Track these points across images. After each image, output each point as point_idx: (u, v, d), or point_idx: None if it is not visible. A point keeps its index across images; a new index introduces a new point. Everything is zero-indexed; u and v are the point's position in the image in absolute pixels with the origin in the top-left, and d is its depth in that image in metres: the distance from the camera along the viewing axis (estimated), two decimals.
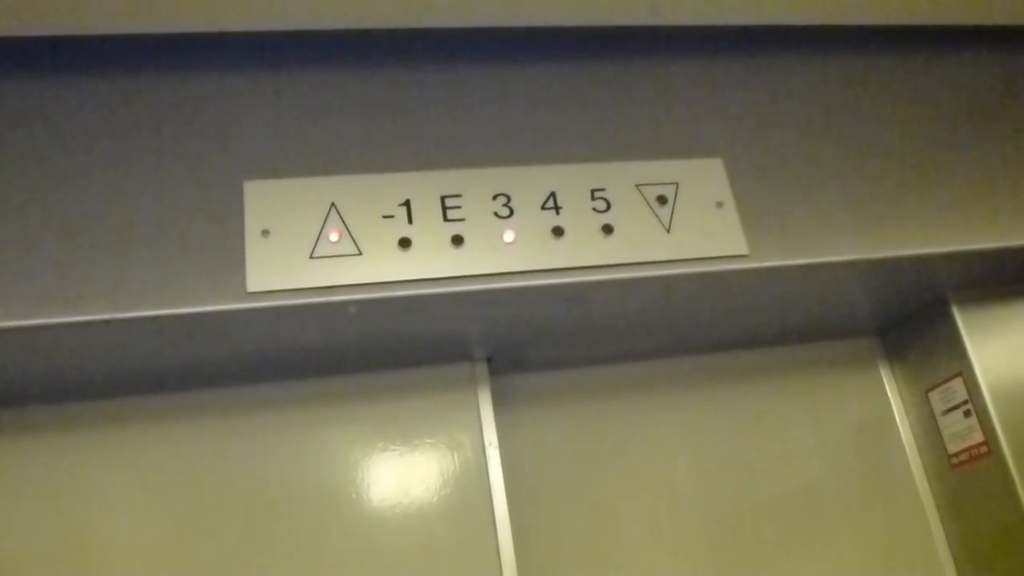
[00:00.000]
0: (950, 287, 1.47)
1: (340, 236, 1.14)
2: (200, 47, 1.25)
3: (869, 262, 1.29)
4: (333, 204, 1.16)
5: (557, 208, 1.21)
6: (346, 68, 1.27)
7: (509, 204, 1.20)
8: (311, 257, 1.13)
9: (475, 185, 1.20)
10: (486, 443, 1.36)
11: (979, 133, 1.44)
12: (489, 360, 1.42)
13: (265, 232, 1.13)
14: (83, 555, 1.22)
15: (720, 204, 1.26)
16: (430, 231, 1.16)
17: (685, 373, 1.57)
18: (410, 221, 1.16)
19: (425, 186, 1.19)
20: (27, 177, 1.13)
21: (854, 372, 1.65)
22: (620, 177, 1.25)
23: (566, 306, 1.26)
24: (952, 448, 1.49)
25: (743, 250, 1.23)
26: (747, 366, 1.60)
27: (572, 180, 1.23)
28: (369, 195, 1.17)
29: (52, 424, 1.29)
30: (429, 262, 1.14)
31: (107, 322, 1.08)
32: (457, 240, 1.16)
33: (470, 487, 1.33)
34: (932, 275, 1.41)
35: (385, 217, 1.16)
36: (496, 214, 1.19)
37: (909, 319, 1.58)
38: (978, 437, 1.43)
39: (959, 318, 1.47)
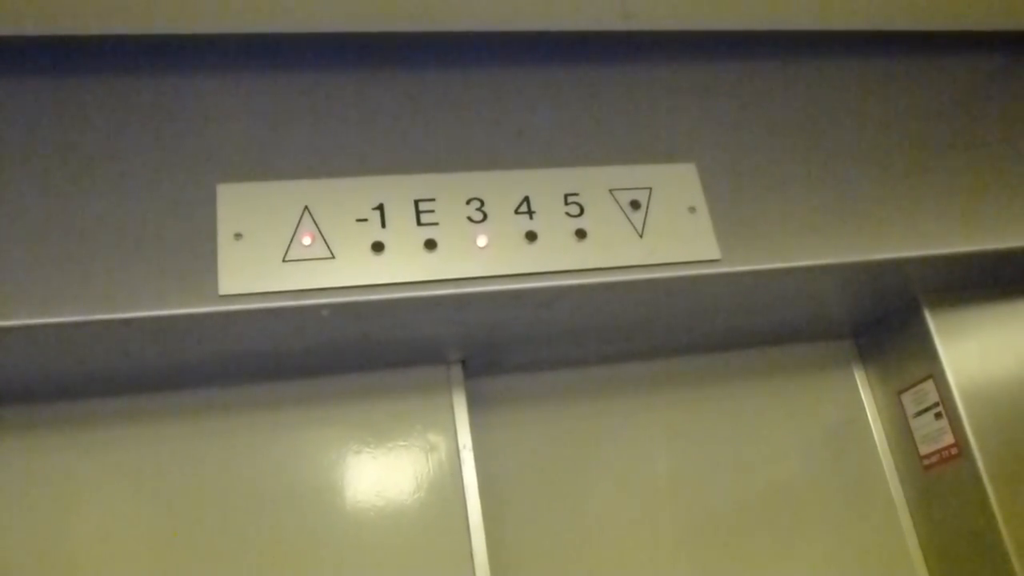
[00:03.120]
0: (922, 290, 1.49)
1: (313, 239, 1.14)
2: (173, 49, 1.25)
3: (840, 266, 1.31)
4: (306, 207, 1.16)
5: (531, 212, 1.21)
6: (320, 72, 1.27)
7: (483, 208, 1.20)
8: (284, 260, 1.13)
9: (449, 189, 1.21)
10: (460, 446, 1.36)
11: (950, 138, 1.46)
12: (464, 363, 1.42)
13: (238, 235, 1.13)
14: (60, 555, 1.22)
15: (693, 209, 1.27)
16: (403, 235, 1.16)
17: (660, 375, 1.58)
18: (383, 225, 1.17)
19: (399, 190, 1.19)
20: None
21: (828, 374, 1.66)
22: (594, 182, 1.25)
23: (539, 310, 1.26)
24: (924, 450, 1.51)
25: (715, 255, 1.24)
26: (721, 368, 1.61)
27: (546, 185, 1.24)
28: (342, 199, 1.17)
29: (25, 424, 1.28)
30: (402, 266, 1.14)
31: (78, 324, 1.08)
32: (430, 244, 1.16)
33: (444, 490, 1.33)
34: (904, 279, 1.43)
35: (358, 221, 1.16)
36: (470, 218, 1.19)
37: (882, 322, 1.60)
38: (948, 439, 1.44)
39: (931, 321, 1.49)
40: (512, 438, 1.47)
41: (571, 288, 1.20)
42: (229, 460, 1.31)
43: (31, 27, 1.18)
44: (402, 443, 1.37)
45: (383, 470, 1.35)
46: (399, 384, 1.39)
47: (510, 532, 1.39)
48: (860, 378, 1.67)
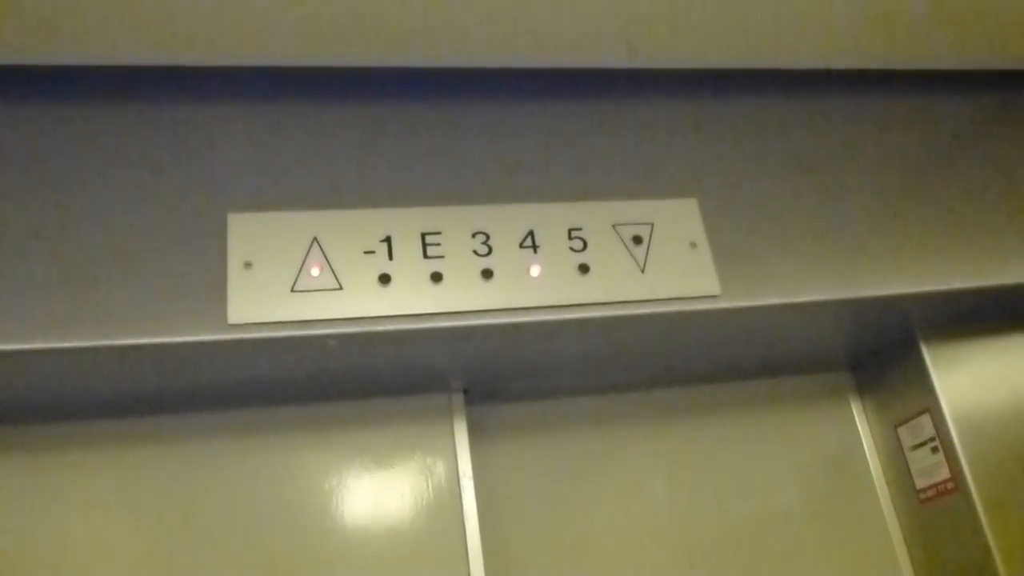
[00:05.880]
0: (919, 325, 1.50)
1: (321, 270, 1.16)
2: (185, 80, 1.27)
3: (839, 302, 1.32)
4: (315, 238, 1.18)
5: (535, 246, 1.23)
6: (330, 104, 1.30)
7: (488, 242, 1.22)
8: (292, 290, 1.15)
9: (455, 222, 1.23)
10: (461, 474, 1.37)
11: (946, 176, 1.48)
12: (465, 391, 1.44)
13: (247, 264, 1.15)
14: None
15: (694, 244, 1.29)
16: (410, 267, 1.18)
17: (660, 405, 1.59)
18: (390, 257, 1.19)
19: (406, 222, 1.21)
20: (9, 206, 1.15)
21: (825, 406, 1.67)
22: (597, 217, 1.28)
23: (542, 342, 1.28)
24: (920, 483, 1.52)
25: (715, 290, 1.26)
26: (720, 399, 1.63)
27: (550, 219, 1.26)
28: (351, 230, 1.19)
29: (32, 445, 1.29)
30: (408, 298, 1.16)
31: (89, 349, 1.09)
32: (436, 277, 1.18)
33: (444, 517, 1.34)
34: (901, 314, 1.44)
35: (366, 252, 1.18)
36: (475, 251, 1.21)
37: (879, 355, 1.61)
38: (945, 473, 1.45)
39: (927, 355, 1.50)
40: (512, 466, 1.48)
41: (573, 322, 1.22)
42: (230, 484, 1.32)
43: (43, 57, 1.21)
44: (403, 470, 1.38)
45: (384, 497, 1.36)
46: (401, 411, 1.41)
47: (509, 560, 1.40)
48: (857, 410, 1.68)
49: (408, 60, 1.31)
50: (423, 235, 1.21)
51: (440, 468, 1.38)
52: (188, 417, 1.34)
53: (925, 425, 1.50)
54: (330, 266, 1.17)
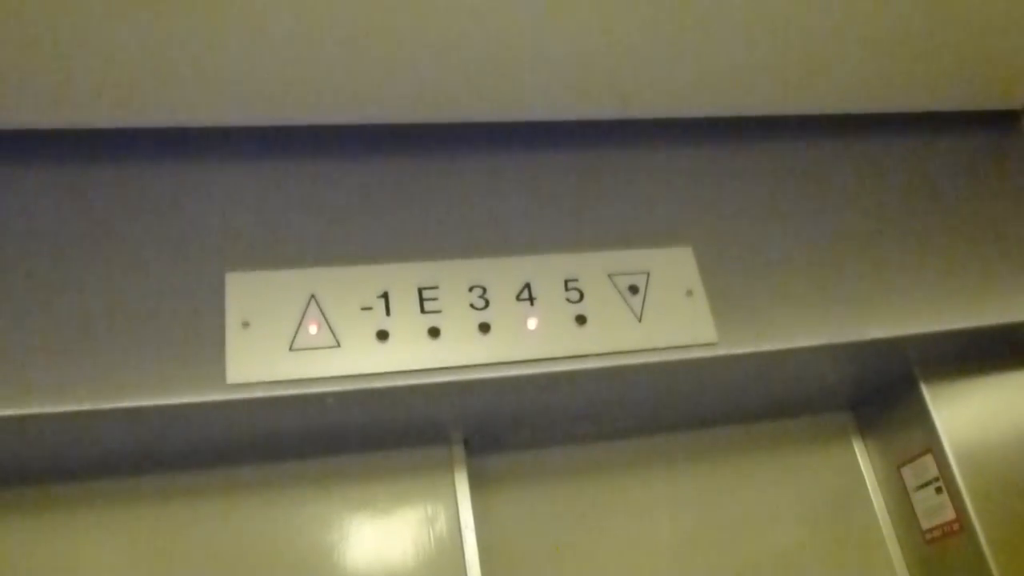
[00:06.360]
0: (917, 365, 1.50)
1: (319, 328, 1.17)
2: (181, 140, 1.29)
3: (836, 346, 1.33)
4: (313, 295, 1.19)
5: (531, 299, 1.24)
6: (326, 161, 1.31)
7: (484, 295, 1.23)
8: (290, 349, 1.15)
9: (451, 276, 1.23)
10: (462, 525, 1.37)
11: (939, 216, 1.49)
12: (466, 442, 1.43)
13: (245, 324, 1.16)
14: None
15: (690, 292, 1.29)
16: (408, 323, 1.19)
17: (661, 451, 1.59)
18: (388, 313, 1.19)
19: (403, 278, 1.22)
20: (8, 267, 1.15)
21: (827, 447, 1.67)
22: (593, 267, 1.28)
23: (541, 393, 1.28)
24: (926, 524, 1.51)
25: (712, 338, 1.27)
26: (720, 442, 1.62)
27: (546, 270, 1.27)
28: (348, 287, 1.20)
29: (31, 507, 1.29)
30: (407, 354, 1.16)
31: (88, 413, 1.09)
32: (434, 332, 1.19)
33: (446, 569, 1.33)
34: (899, 355, 1.44)
35: (363, 309, 1.19)
36: (472, 305, 1.22)
37: (879, 394, 1.61)
38: (950, 514, 1.44)
39: (927, 395, 1.50)
40: (514, 515, 1.47)
41: (572, 373, 1.22)
42: (232, 540, 1.31)
43: (41, 120, 1.22)
44: (404, 522, 1.37)
45: (385, 550, 1.35)
46: (402, 464, 1.40)
47: None
48: (859, 450, 1.67)
49: (401, 116, 1.32)
50: (420, 290, 1.22)
51: (442, 519, 1.38)
52: (188, 475, 1.34)
53: (928, 465, 1.49)
54: (328, 323, 1.17)
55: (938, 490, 1.47)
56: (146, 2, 1.04)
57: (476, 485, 1.42)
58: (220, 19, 1.08)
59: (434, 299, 1.21)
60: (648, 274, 1.30)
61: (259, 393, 1.12)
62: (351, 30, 1.14)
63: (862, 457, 1.66)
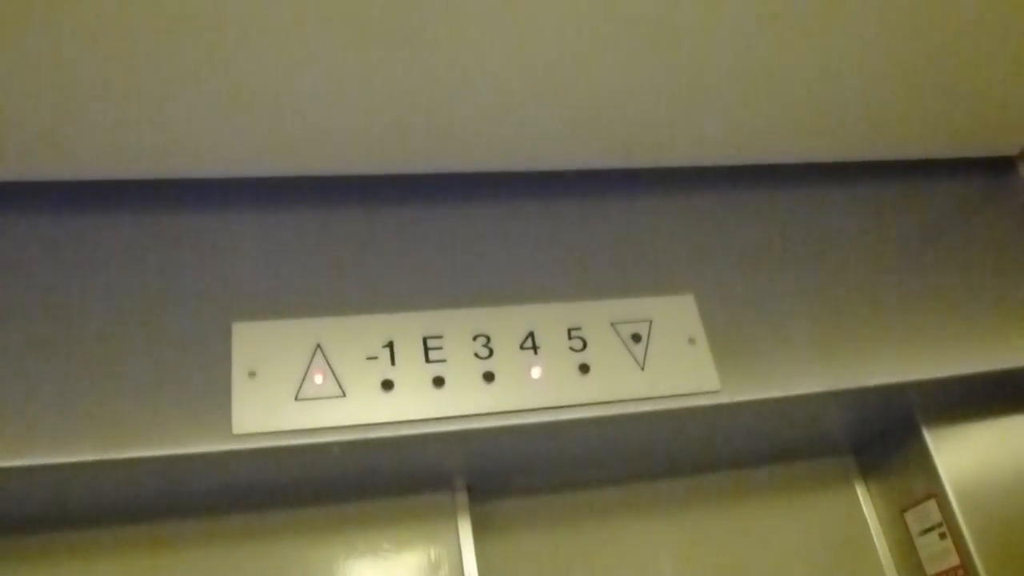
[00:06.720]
0: (919, 410, 1.50)
1: (324, 378, 1.17)
2: (186, 191, 1.30)
3: (838, 393, 1.33)
4: (318, 345, 1.20)
5: (535, 347, 1.25)
6: (330, 211, 1.33)
7: (489, 344, 1.24)
8: (296, 399, 1.16)
9: (456, 326, 1.24)
10: (465, 572, 1.36)
11: (939, 263, 1.50)
12: (469, 489, 1.43)
13: (252, 373, 1.16)
14: None
15: (692, 340, 1.30)
16: (412, 372, 1.19)
17: (664, 495, 1.58)
18: (393, 363, 1.20)
19: (408, 327, 1.23)
20: (15, 318, 1.16)
21: (830, 490, 1.66)
22: (596, 315, 1.29)
23: (545, 441, 1.29)
24: (930, 570, 1.50)
25: (715, 386, 1.27)
26: (725, 487, 1.62)
27: (549, 319, 1.28)
28: (353, 336, 1.21)
29: (37, 555, 1.28)
30: (411, 404, 1.17)
31: (93, 463, 1.09)
32: (438, 381, 1.19)
33: None
34: (901, 400, 1.45)
35: (369, 359, 1.20)
36: (476, 355, 1.23)
37: (881, 438, 1.61)
38: (954, 560, 1.44)
39: (929, 440, 1.50)
40: (518, 561, 1.47)
41: (575, 421, 1.22)
42: None
43: (46, 171, 1.24)
44: (408, 569, 1.36)
45: None
46: (404, 511, 1.40)
47: None
48: (862, 494, 1.67)
49: (406, 167, 1.34)
50: (425, 339, 1.23)
51: (445, 566, 1.37)
52: (193, 523, 1.33)
53: (931, 511, 1.49)
54: (333, 373, 1.18)
55: (942, 535, 1.47)
56: (150, 53, 1.05)
57: (479, 531, 1.42)
58: (225, 72, 1.10)
59: (439, 348, 1.22)
60: (650, 322, 1.31)
61: (265, 443, 1.13)
62: (355, 83, 1.16)
63: (865, 501, 1.66)
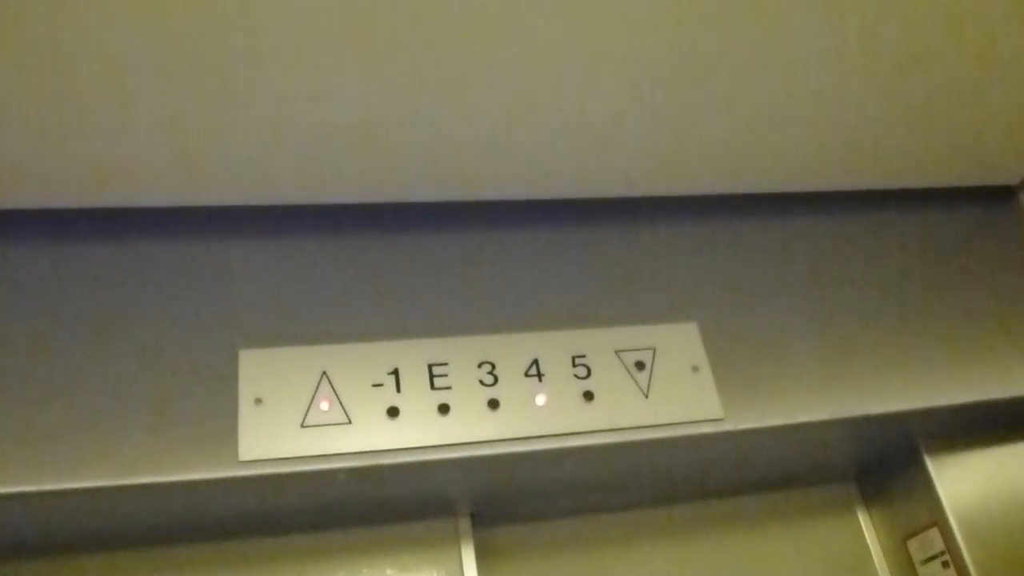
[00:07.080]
0: (921, 438, 1.51)
1: (330, 405, 1.18)
2: (192, 219, 1.31)
3: (840, 421, 1.34)
4: (324, 373, 1.21)
5: (540, 375, 1.26)
6: (338, 239, 1.34)
7: (493, 372, 1.25)
8: (302, 426, 1.16)
9: (461, 353, 1.25)
10: None
11: (941, 291, 1.52)
12: (472, 515, 1.43)
13: (258, 401, 1.17)
14: None
15: (696, 368, 1.31)
16: (418, 400, 1.20)
17: (668, 523, 1.58)
18: (398, 390, 1.21)
19: (413, 355, 1.24)
20: (23, 345, 1.17)
21: (833, 518, 1.66)
22: (600, 343, 1.30)
23: (549, 469, 1.29)
24: None
25: (718, 414, 1.28)
26: (728, 514, 1.62)
27: (554, 347, 1.29)
28: (359, 364, 1.22)
29: None
30: (417, 431, 1.18)
31: (101, 489, 1.10)
32: (444, 408, 1.20)
33: None
34: (902, 428, 1.45)
35: (374, 386, 1.21)
36: (481, 382, 1.24)
37: (884, 465, 1.61)
38: None
39: (931, 468, 1.50)
40: None
41: (579, 449, 1.23)
42: None
43: (50, 200, 1.25)
44: None
45: None
46: (408, 537, 1.40)
47: None
48: (864, 521, 1.66)
49: (412, 195, 1.36)
50: (430, 366, 1.24)
51: None
52: (199, 548, 1.33)
53: (934, 539, 1.49)
54: (339, 400, 1.19)
55: (944, 564, 1.46)
56: (156, 82, 1.07)
57: (482, 557, 1.42)
58: (232, 101, 1.12)
59: (444, 375, 1.23)
60: (654, 350, 1.32)
61: (271, 470, 1.13)
62: (361, 112, 1.17)
63: (867, 529, 1.66)
